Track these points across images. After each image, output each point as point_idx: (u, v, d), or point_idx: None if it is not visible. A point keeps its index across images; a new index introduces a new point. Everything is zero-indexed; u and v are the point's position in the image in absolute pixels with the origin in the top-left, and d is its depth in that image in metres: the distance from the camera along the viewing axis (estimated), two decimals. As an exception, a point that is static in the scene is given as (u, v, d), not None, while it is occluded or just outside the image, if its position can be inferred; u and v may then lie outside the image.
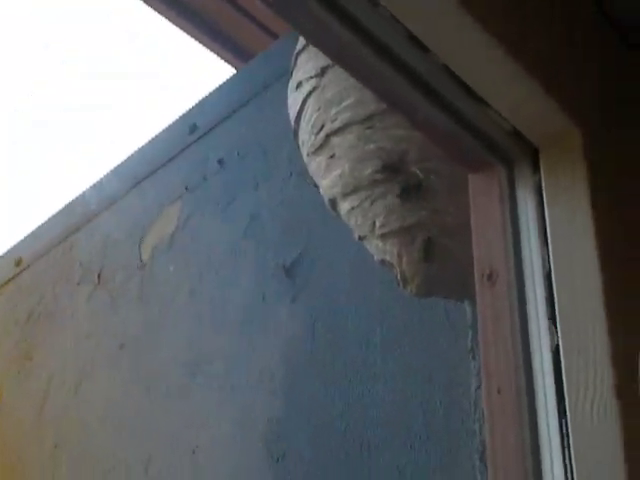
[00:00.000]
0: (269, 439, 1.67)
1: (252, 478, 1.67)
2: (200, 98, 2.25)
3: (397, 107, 0.92)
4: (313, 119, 1.22)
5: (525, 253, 0.94)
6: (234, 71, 2.55)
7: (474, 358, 1.35)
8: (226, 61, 2.67)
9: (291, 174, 1.87)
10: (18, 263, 2.58)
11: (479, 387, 1.33)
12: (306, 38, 0.91)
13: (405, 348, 1.50)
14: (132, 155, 2.35)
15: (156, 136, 2.29)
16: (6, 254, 2.70)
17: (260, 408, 1.71)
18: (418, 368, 1.46)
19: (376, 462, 1.47)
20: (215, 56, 2.67)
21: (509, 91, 0.90)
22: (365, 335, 1.58)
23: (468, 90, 0.89)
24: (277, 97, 1.97)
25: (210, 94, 2.22)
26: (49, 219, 2.58)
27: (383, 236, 1.18)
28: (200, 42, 2.62)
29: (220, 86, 2.21)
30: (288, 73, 1.90)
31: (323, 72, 1.19)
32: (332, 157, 1.20)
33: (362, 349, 1.58)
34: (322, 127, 1.20)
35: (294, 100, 1.28)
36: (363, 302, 1.60)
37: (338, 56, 0.85)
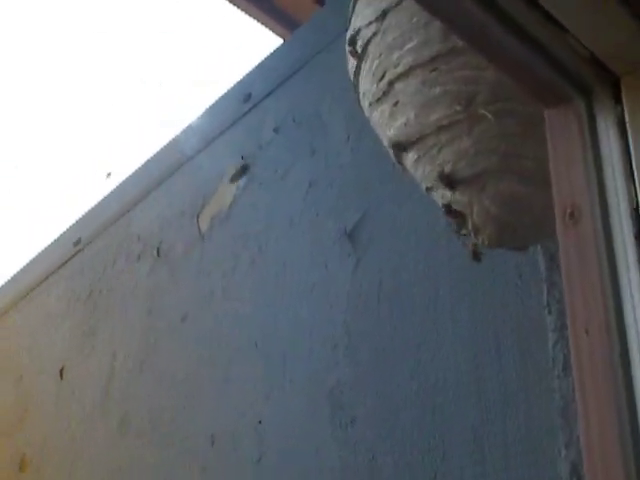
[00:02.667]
0: (335, 407, 1.64)
1: (319, 447, 1.64)
2: (252, 68, 2.23)
3: (469, 37, 0.87)
4: (374, 66, 1.17)
5: (610, 189, 0.89)
6: (281, 41, 2.52)
7: (550, 313, 1.30)
8: (273, 31, 2.65)
9: (348, 137, 1.83)
10: (77, 243, 2.59)
11: (557, 342, 1.27)
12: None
13: (475, 308, 1.45)
14: (187, 127, 2.33)
15: (210, 107, 2.27)
16: (64, 234, 2.71)
17: (325, 376, 1.68)
18: (489, 327, 1.41)
19: (449, 426, 1.43)
20: (262, 26, 2.64)
21: (589, 16, 0.84)
22: (432, 297, 1.53)
23: (545, 15, 0.84)
24: (328, 63, 1.94)
25: (262, 62, 2.19)
26: (105, 197, 2.59)
27: (452, 183, 1.13)
28: (247, 13, 2.60)
29: (272, 54, 2.19)
30: (337, 38, 1.87)
31: (384, 15, 1.14)
32: (396, 104, 1.15)
33: (430, 311, 1.53)
34: (384, 74, 1.15)
35: (353, 49, 1.23)
36: (429, 262, 1.56)
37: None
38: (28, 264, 2.87)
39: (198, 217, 2.15)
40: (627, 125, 0.89)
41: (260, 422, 1.78)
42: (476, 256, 1.21)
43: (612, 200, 0.88)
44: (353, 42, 1.23)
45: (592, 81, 0.91)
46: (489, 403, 1.38)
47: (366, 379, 1.60)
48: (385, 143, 1.23)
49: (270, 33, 2.55)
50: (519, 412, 1.32)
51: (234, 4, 2.46)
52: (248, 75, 2.20)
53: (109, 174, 2.59)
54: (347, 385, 1.63)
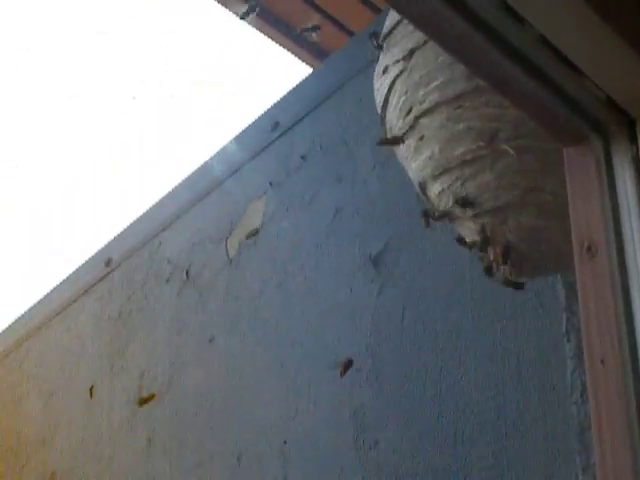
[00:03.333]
0: (359, 430, 1.67)
1: (343, 469, 1.68)
2: (281, 96, 2.28)
3: (491, 80, 0.92)
4: (401, 102, 1.22)
5: (625, 225, 0.93)
6: (310, 70, 2.57)
7: (569, 341, 1.34)
8: (303, 60, 2.71)
9: (374, 166, 1.87)
10: (108, 263, 2.64)
11: (575, 370, 1.31)
12: (397, 9, 0.91)
13: (496, 335, 1.49)
14: (217, 154, 2.39)
15: (240, 134, 2.33)
16: (96, 254, 2.77)
17: (348, 399, 1.72)
18: (510, 354, 1.45)
19: (470, 451, 1.47)
20: (292, 56, 2.70)
21: (605, 60, 0.89)
22: (455, 323, 1.57)
23: (563, 60, 0.88)
24: (357, 92, 1.99)
25: (291, 91, 2.24)
26: (137, 219, 2.64)
27: (475, 217, 1.17)
28: (277, 42, 2.66)
29: (300, 83, 2.23)
30: (365, 69, 1.92)
31: (410, 54, 1.19)
32: (421, 139, 1.20)
33: (452, 338, 1.57)
34: (410, 109, 1.20)
35: (381, 85, 1.28)
36: (451, 290, 1.60)
37: (430, 27, 0.85)
38: (60, 283, 2.93)
39: (227, 241, 2.20)
40: (642, 164, 0.93)
41: (285, 442, 1.82)
42: (490, 272, 1.24)
43: (627, 236, 0.92)
44: (380, 78, 1.28)
45: (609, 122, 0.95)
46: (509, 429, 1.41)
47: (389, 402, 1.63)
48: (410, 175, 1.28)
49: (299, 62, 2.61)
50: (538, 437, 1.36)
51: (264, 33, 2.53)
52: (277, 103, 2.26)
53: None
54: (370, 408, 1.67)
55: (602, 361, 0.87)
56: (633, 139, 0.95)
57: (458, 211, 1.19)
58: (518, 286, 1.25)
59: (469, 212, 1.18)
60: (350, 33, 2.57)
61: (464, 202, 1.16)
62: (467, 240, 1.23)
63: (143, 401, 2.23)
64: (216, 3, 2.51)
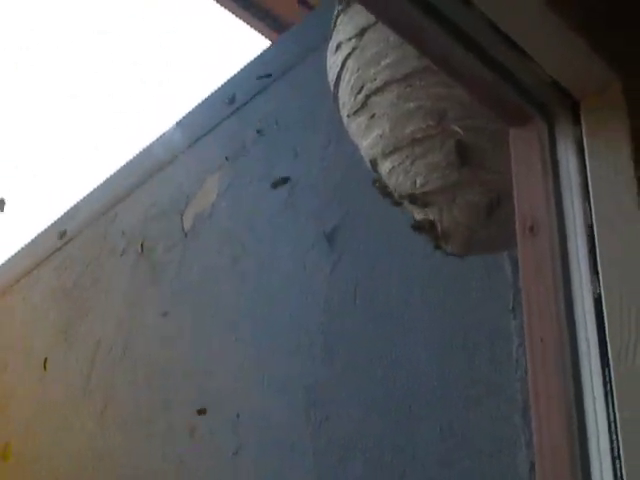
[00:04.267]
0: (310, 404, 1.69)
1: (294, 442, 1.70)
2: (237, 70, 2.27)
3: (439, 62, 0.92)
4: (353, 80, 1.22)
5: (567, 205, 0.94)
6: (269, 43, 2.56)
7: (515, 317, 1.36)
8: (261, 33, 2.68)
9: (329, 141, 1.88)
10: (62, 235, 2.63)
11: (520, 345, 1.33)
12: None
13: (446, 310, 1.51)
14: (172, 127, 2.37)
15: (195, 108, 2.32)
16: (50, 227, 2.75)
17: (300, 374, 1.73)
18: (459, 330, 1.47)
19: (418, 427, 1.49)
20: (250, 28, 2.68)
21: (550, 43, 0.90)
22: (406, 299, 1.59)
23: (510, 43, 0.89)
24: (314, 67, 1.98)
25: (247, 65, 2.24)
26: (91, 192, 2.62)
27: (424, 195, 1.18)
28: (235, 14, 2.63)
29: (257, 57, 2.23)
30: (323, 44, 1.91)
31: (362, 32, 1.20)
32: (372, 117, 1.20)
33: (403, 314, 1.59)
34: (362, 87, 1.21)
35: (333, 62, 1.29)
36: (403, 266, 1.61)
37: (380, 12, 0.85)
38: (14, 255, 2.91)
39: (182, 215, 2.19)
40: (585, 145, 0.95)
41: (238, 416, 1.84)
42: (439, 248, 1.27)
43: (569, 216, 0.94)
44: (333, 56, 1.28)
45: (554, 104, 0.97)
46: (457, 404, 1.44)
47: (340, 378, 1.65)
48: (362, 153, 1.29)
49: (258, 35, 2.59)
50: (485, 413, 1.38)
51: (223, 6, 2.50)
52: (233, 77, 2.25)
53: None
54: (322, 383, 1.68)
55: (541, 339, 0.89)
56: (577, 121, 0.97)
57: (407, 189, 1.20)
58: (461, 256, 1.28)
59: (419, 190, 1.19)
60: (309, 7, 2.55)
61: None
62: (415, 218, 1.24)
63: None
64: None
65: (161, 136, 2.39)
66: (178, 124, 2.35)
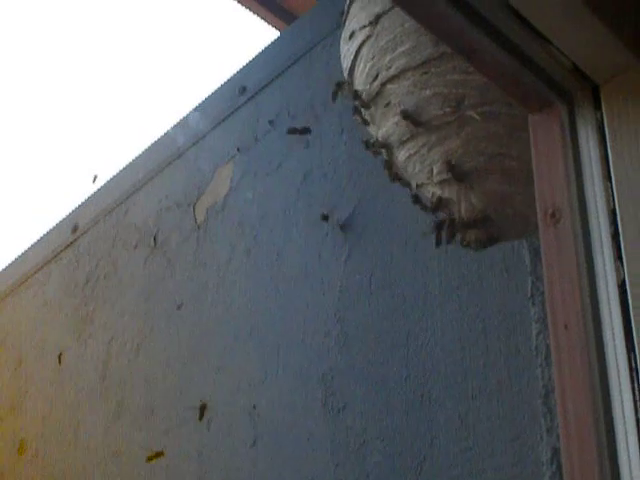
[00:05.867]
0: (327, 393, 1.69)
1: (312, 433, 1.70)
2: (248, 60, 2.26)
3: (456, 47, 0.92)
4: (367, 68, 1.22)
5: (588, 191, 0.94)
6: (278, 33, 2.55)
7: (534, 304, 1.35)
8: (270, 23, 2.68)
9: (342, 130, 1.87)
10: (74, 229, 2.63)
11: (540, 333, 1.33)
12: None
13: (463, 299, 1.50)
14: (183, 119, 2.37)
15: (206, 99, 2.31)
16: (63, 221, 2.75)
17: (317, 364, 1.73)
18: (476, 317, 1.47)
19: (437, 413, 1.48)
20: (259, 19, 2.67)
21: (571, 27, 0.89)
22: (422, 287, 1.58)
23: (529, 27, 0.88)
24: (325, 56, 1.98)
25: (258, 55, 2.22)
26: (103, 185, 2.62)
27: (441, 183, 1.18)
28: (243, 5, 2.63)
29: (267, 47, 2.22)
30: (333, 32, 1.91)
31: (377, 20, 1.19)
32: (388, 105, 1.20)
33: (419, 301, 1.58)
34: (377, 75, 1.20)
35: (347, 51, 1.28)
36: (419, 254, 1.61)
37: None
38: (26, 250, 2.91)
39: (194, 207, 2.19)
40: (606, 130, 0.94)
41: (254, 407, 1.84)
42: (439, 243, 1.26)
43: (590, 201, 0.93)
44: (347, 44, 1.27)
45: (574, 89, 0.96)
46: (475, 391, 1.43)
47: (357, 366, 1.65)
48: (377, 141, 1.28)
49: (267, 25, 2.58)
50: (504, 400, 1.38)
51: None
52: (243, 68, 2.24)
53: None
54: (339, 372, 1.68)
55: (566, 326, 0.88)
56: (597, 105, 0.96)
57: (423, 177, 1.20)
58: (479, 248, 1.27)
59: (435, 178, 1.18)
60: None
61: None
62: (429, 204, 1.23)
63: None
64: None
65: (171, 129, 2.39)
66: (189, 116, 2.34)
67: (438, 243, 1.23)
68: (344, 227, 1.78)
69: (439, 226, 1.20)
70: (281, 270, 1.89)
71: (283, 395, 1.79)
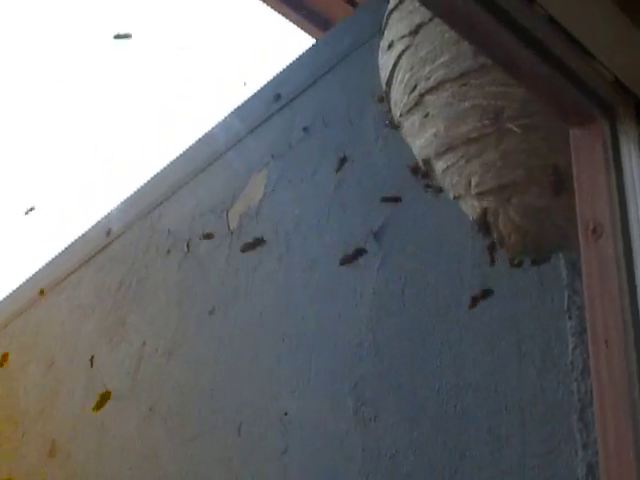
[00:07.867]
0: (358, 403, 1.68)
1: (342, 441, 1.69)
2: (282, 67, 2.27)
3: (499, 60, 0.91)
4: (406, 78, 1.22)
5: (631, 207, 0.93)
6: (313, 41, 2.55)
7: (570, 318, 1.34)
8: (306, 31, 2.68)
9: (377, 138, 1.87)
10: (108, 233, 2.64)
11: (577, 347, 1.31)
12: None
13: (497, 310, 1.49)
14: (218, 125, 2.38)
15: (241, 106, 2.32)
16: (97, 225, 2.77)
17: (349, 372, 1.73)
18: (511, 330, 1.46)
19: (469, 425, 1.47)
20: (295, 27, 2.68)
21: (614, 42, 0.89)
22: (455, 298, 1.57)
23: (572, 41, 0.88)
24: (359, 64, 1.97)
25: (293, 63, 2.23)
26: (137, 190, 2.64)
27: (479, 195, 1.17)
28: (279, 12, 2.63)
29: (302, 55, 2.22)
30: (370, 41, 1.90)
31: (417, 30, 1.19)
32: (426, 116, 1.20)
33: (453, 312, 1.57)
34: (415, 86, 1.20)
35: (386, 61, 1.28)
36: (452, 264, 1.60)
37: (439, 7, 0.84)
38: (60, 254, 2.93)
39: (227, 213, 2.20)
40: (649, 145, 0.93)
41: (286, 414, 1.83)
42: (493, 261, 1.26)
43: (633, 218, 0.92)
44: (385, 54, 1.27)
45: (616, 103, 0.95)
46: (508, 404, 1.42)
47: (389, 376, 1.64)
48: (414, 152, 1.28)
49: (302, 33, 2.58)
50: (537, 413, 1.36)
51: (268, 4, 2.50)
52: (279, 75, 2.24)
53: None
54: (371, 381, 1.67)
55: (606, 342, 0.88)
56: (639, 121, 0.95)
57: (461, 189, 1.19)
58: (518, 264, 1.26)
59: (474, 190, 1.18)
60: (354, 4, 2.54)
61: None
62: (470, 218, 1.23)
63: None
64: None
65: (206, 135, 2.40)
66: (223, 122, 2.35)
67: (492, 262, 1.22)
68: (377, 235, 1.78)
69: (491, 247, 1.20)
70: (313, 278, 1.89)
71: (314, 403, 1.79)
